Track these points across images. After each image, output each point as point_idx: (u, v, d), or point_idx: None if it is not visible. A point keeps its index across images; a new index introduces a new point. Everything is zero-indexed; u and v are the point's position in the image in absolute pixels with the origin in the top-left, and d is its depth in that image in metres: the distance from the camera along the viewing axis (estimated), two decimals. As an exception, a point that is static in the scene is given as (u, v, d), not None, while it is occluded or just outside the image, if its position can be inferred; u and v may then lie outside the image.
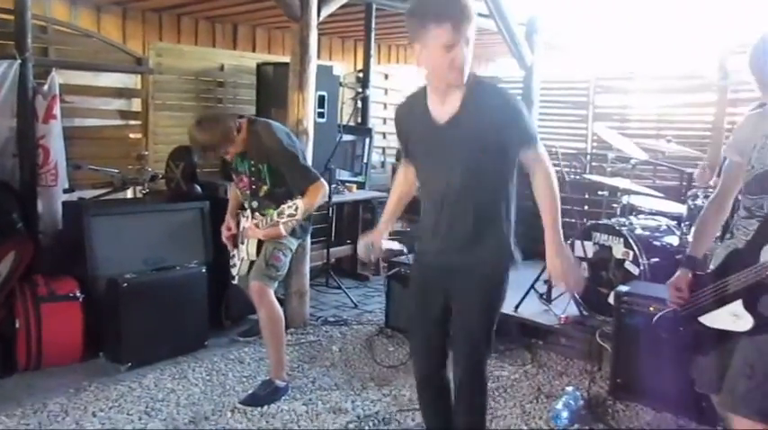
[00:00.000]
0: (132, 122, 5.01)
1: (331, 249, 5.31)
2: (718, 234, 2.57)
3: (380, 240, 2.49)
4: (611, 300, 3.68)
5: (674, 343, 2.90)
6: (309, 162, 3.85)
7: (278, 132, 3.16)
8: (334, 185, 5.06)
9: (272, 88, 5.11)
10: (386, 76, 6.66)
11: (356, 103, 5.43)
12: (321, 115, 4.91)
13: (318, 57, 4.32)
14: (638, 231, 3.94)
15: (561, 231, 2.15)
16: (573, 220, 4.43)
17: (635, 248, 3.77)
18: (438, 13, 2.01)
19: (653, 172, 5.21)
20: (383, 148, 6.73)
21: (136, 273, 3.62)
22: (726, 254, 2.15)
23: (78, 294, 3.56)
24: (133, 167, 4.56)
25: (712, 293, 2.13)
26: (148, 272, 3.72)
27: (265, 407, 3.13)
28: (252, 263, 3.31)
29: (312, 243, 4.54)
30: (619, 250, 3.86)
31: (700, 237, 2.34)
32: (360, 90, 5.81)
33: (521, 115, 2.13)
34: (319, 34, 4.19)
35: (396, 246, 2.76)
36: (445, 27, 2.00)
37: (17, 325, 3.41)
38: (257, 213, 3.23)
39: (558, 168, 4.57)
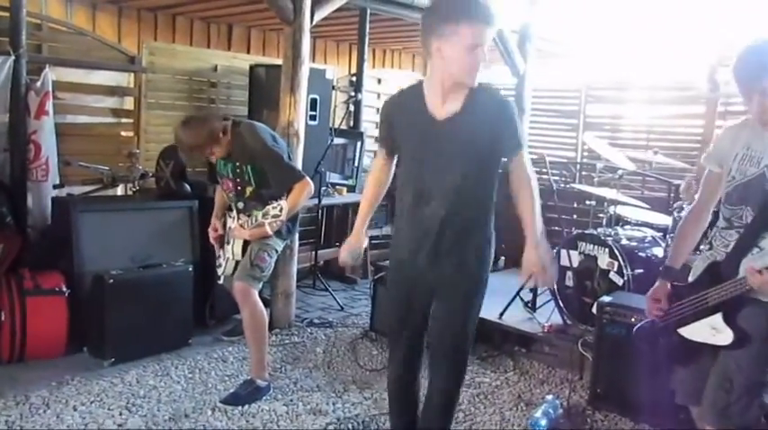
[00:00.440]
0: (124, 120, 5.04)
1: (319, 251, 5.32)
2: (703, 247, 2.59)
3: (362, 245, 2.55)
4: (594, 309, 3.72)
5: (652, 354, 2.94)
6: (298, 163, 3.89)
7: (261, 133, 3.18)
8: (324, 188, 5.08)
9: (265, 90, 5.13)
10: (379, 81, 6.69)
11: (348, 106, 5.45)
12: (313, 118, 4.93)
13: (313, 60, 4.36)
14: (624, 242, 3.96)
15: (540, 229, 2.23)
16: (560, 229, 4.47)
17: (620, 259, 3.79)
18: (472, 13, 2.08)
19: (641, 183, 5.25)
20: (375, 152, 6.73)
21: (122, 270, 3.64)
22: (705, 266, 2.17)
23: (64, 289, 3.57)
24: (124, 165, 4.57)
25: (692, 306, 2.14)
26: (135, 269, 3.74)
27: (246, 406, 3.15)
28: (237, 263, 3.32)
29: (300, 245, 4.56)
30: (604, 260, 3.89)
31: (678, 247, 2.35)
32: (352, 94, 5.83)
33: (514, 121, 2.23)
34: (315, 37, 4.23)
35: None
36: (476, 28, 2.08)
37: (2, 317, 3.42)
38: (243, 214, 3.25)
39: (545, 177, 4.66)
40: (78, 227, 3.71)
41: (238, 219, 3.26)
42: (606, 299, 3.40)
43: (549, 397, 3.23)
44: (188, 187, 4.28)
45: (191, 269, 3.90)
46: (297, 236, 3.94)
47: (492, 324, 4.09)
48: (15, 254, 3.67)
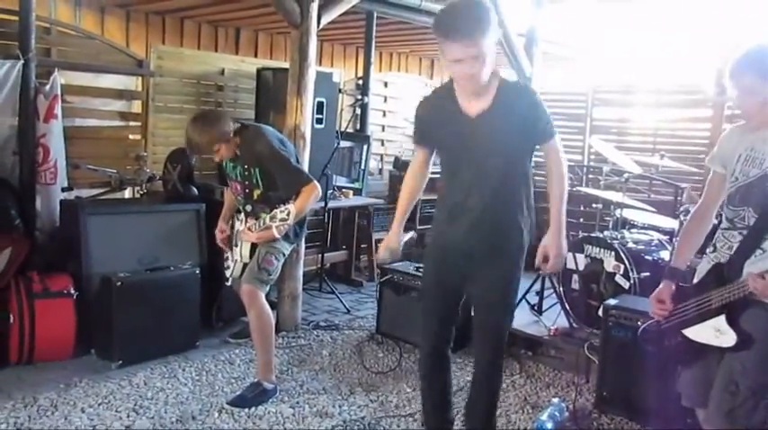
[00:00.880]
0: (132, 124, 5.08)
1: (326, 254, 5.34)
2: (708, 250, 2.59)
3: (399, 242, 2.67)
4: (600, 312, 3.71)
5: (657, 355, 2.94)
6: (305, 166, 3.90)
7: (268, 136, 3.20)
8: (330, 191, 5.09)
9: (272, 93, 5.16)
10: (385, 84, 6.71)
11: (355, 109, 5.47)
12: (319, 121, 4.95)
13: (320, 63, 4.38)
14: (630, 245, 3.97)
15: (564, 220, 2.40)
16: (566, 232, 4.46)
17: (626, 262, 3.79)
18: (449, 33, 2.19)
19: (648, 186, 5.24)
20: (381, 155, 6.77)
21: (130, 273, 3.66)
22: (709, 267, 2.17)
23: (72, 291, 3.59)
24: (131, 168, 4.60)
25: (696, 307, 2.15)
26: (142, 271, 3.76)
27: (252, 408, 3.16)
28: (245, 265, 3.34)
29: (307, 247, 4.58)
30: (610, 263, 3.89)
31: (683, 248, 2.36)
32: (359, 97, 5.85)
33: (544, 112, 2.38)
34: (321, 41, 4.25)
35: (408, 236, 2.90)
36: (454, 45, 2.19)
37: (11, 319, 3.44)
38: (251, 216, 3.27)
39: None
40: (87, 229, 3.73)
41: (246, 221, 3.28)
42: (612, 302, 3.40)
43: (555, 400, 3.23)
44: (195, 190, 4.30)
45: (198, 272, 3.91)
46: (303, 239, 3.94)
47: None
48: (24, 257, 3.69)
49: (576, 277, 4.08)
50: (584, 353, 3.64)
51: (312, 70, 4.22)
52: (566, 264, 4.12)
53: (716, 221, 2.35)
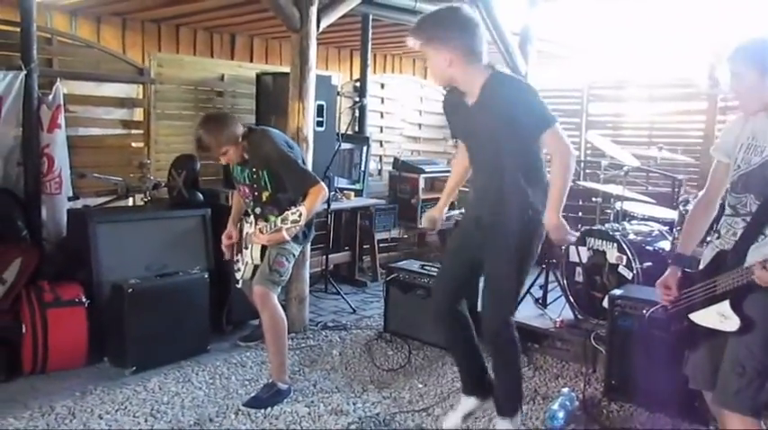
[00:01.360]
0: (134, 131, 5.10)
1: (330, 256, 5.38)
2: (710, 238, 2.65)
3: (442, 214, 3.09)
4: (605, 303, 3.77)
5: (664, 341, 3.00)
6: (309, 167, 3.94)
7: (276, 138, 3.25)
8: (332, 193, 5.14)
9: (272, 97, 5.20)
10: (382, 86, 6.75)
11: (354, 112, 5.51)
12: (320, 124, 4.99)
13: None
14: (631, 236, 4.04)
15: (562, 202, 2.55)
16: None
17: (628, 253, 3.86)
18: (412, 30, 2.61)
19: (645, 179, 5.32)
20: (380, 156, 6.81)
21: (140, 279, 3.69)
22: (713, 254, 2.24)
23: (84, 299, 3.62)
24: (134, 176, 4.63)
25: (702, 292, 2.21)
26: (152, 277, 3.79)
27: (268, 409, 3.20)
28: (256, 267, 3.39)
29: (311, 249, 4.62)
30: (612, 255, 3.95)
31: (688, 235, 2.43)
32: (357, 99, 5.90)
33: (532, 103, 2.51)
34: (317, 44, 4.28)
35: (454, 212, 3.45)
36: (417, 43, 2.58)
37: (23, 330, 3.47)
38: (260, 219, 3.31)
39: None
40: (96, 238, 3.77)
41: (256, 224, 3.32)
42: (617, 292, 3.47)
43: (565, 390, 3.28)
44: (200, 196, 4.34)
45: (206, 276, 3.95)
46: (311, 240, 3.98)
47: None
48: (34, 267, 3.71)
49: (579, 270, 4.14)
50: (591, 344, 3.70)
51: (313, 74, 4.26)
52: (569, 256, 4.20)
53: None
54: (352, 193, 5.70)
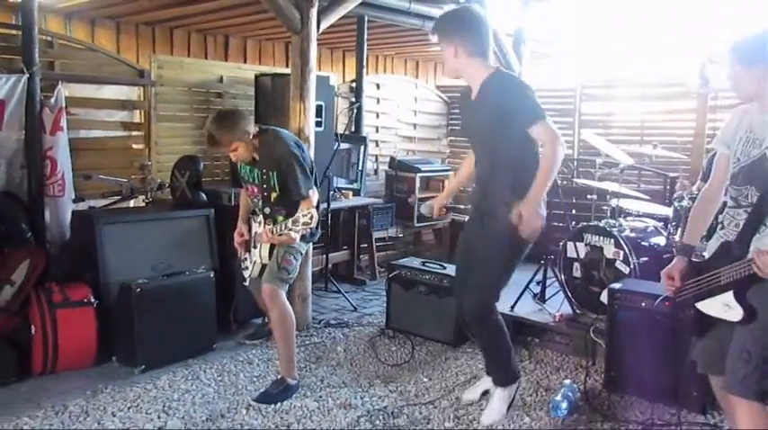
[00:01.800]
0: (134, 133, 5.14)
1: (329, 255, 5.43)
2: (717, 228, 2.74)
3: (441, 202, 3.33)
4: (603, 298, 3.87)
5: (663, 332, 3.11)
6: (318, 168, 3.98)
7: (288, 141, 3.31)
8: (331, 192, 5.20)
9: (271, 98, 5.24)
10: (377, 86, 6.83)
11: (352, 112, 5.58)
12: (319, 124, 5.04)
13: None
14: (628, 232, 4.14)
15: (544, 190, 2.68)
16: (565, 225, 4.62)
17: (625, 248, 3.96)
18: (432, 27, 2.91)
19: (638, 176, 5.44)
20: (376, 156, 6.89)
21: (147, 279, 3.74)
22: (718, 245, 2.33)
23: (92, 300, 3.66)
24: (135, 177, 4.67)
25: (707, 282, 2.29)
26: (159, 277, 3.83)
27: (278, 404, 3.26)
28: (264, 266, 3.45)
29: (312, 248, 4.67)
30: (610, 250, 4.05)
31: (693, 226, 2.51)
32: (353, 100, 5.97)
33: (522, 98, 2.69)
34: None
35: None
36: (434, 36, 2.87)
37: (33, 330, 3.50)
38: (269, 219, 3.36)
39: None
40: (102, 239, 3.81)
41: (265, 223, 3.37)
42: (617, 285, 3.56)
43: (567, 381, 3.36)
44: (204, 196, 4.38)
45: (212, 276, 4.00)
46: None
47: (504, 316, 4.20)
48: (42, 268, 3.74)
49: (577, 265, 4.24)
50: (590, 337, 3.79)
51: (313, 74, 4.33)
52: (566, 252, 4.30)
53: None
54: (350, 193, 5.77)
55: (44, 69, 4.36)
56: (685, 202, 3.97)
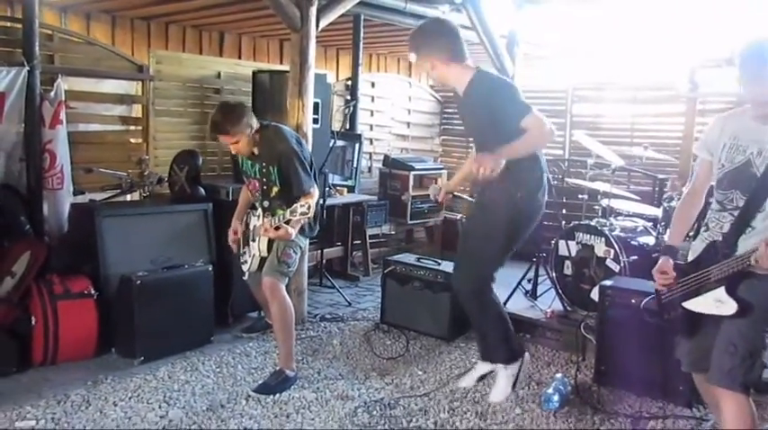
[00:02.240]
0: (133, 128, 5.16)
1: (324, 250, 5.50)
2: (691, 233, 2.84)
3: (448, 187, 3.43)
4: (593, 295, 3.98)
5: (652, 328, 3.20)
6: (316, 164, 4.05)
7: (289, 137, 3.38)
8: (326, 189, 5.26)
9: (268, 95, 5.29)
10: (372, 84, 6.90)
11: (348, 110, 5.64)
12: (315, 121, 5.10)
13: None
14: (618, 232, 4.24)
15: (514, 152, 2.69)
16: (558, 224, 4.73)
17: (616, 247, 4.06)
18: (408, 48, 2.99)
19: (627, 177, 5.56)
20: (370, 154, 6.96)
21: (147, 271, 3.78)
22: (704, 246, 2.42)
23: (93, 291, 3.70)
24: (133, 172, 4.70)
25: (695, 281, 2.38)
26: (159, 270, 3.88)
27: (277, 395, 3.33)
28: (262, 259, 3.51)
29: (307, 244, 4.74)
30: (600, 249, 4.16)
31: (677, 227, 2.61)
32: (349, 98, 6.04)
33: (507, 95, 2.80)
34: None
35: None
36: (412, 57, 2.98)
37: (33, 322, 3.54)
38: (268, 212, 3.43)
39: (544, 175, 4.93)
40: (102, 231, 3.86)
41: (264, 217, 3.44)
42: (608, 283, 3.66)
43: (559, 375, 3.47)
44: (202, 190, 4.43)
45: (211, 269, 4.05)
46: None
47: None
48: (43, 260, 3.77)
49: (568, 263, 4.34)
50: (581, 333, 3.89)
51: (312, 72, 4.38)
52: (558, 250, 4.40)
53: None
54: (345, 190, 5.84)
55: (44, 63, 4.37)
56: (674, 203, 4.07)
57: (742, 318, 2.24)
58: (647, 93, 5.95)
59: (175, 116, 5.43)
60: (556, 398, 3.28)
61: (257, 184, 3.45)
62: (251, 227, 3.61)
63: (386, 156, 6.63)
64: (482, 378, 3.26)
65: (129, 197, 4.81)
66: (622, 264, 4.03)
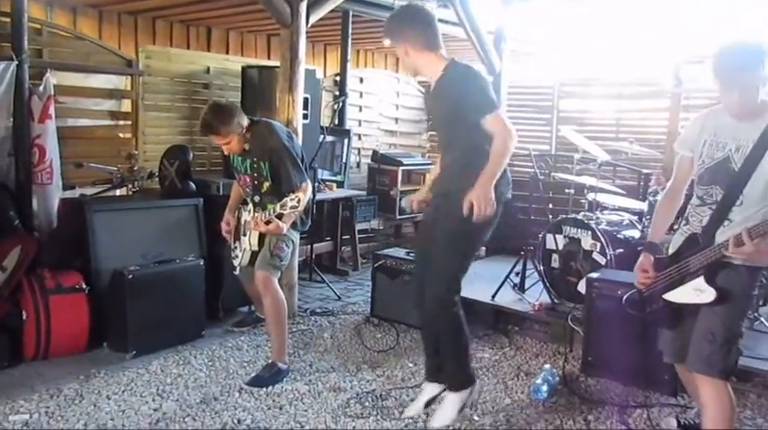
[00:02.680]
0: (122, 122, 5.16)
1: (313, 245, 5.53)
2: (677, 225, 2.91)
3: (420, 197, 3.23)
4: (580, 287, 4.04)
5: (637, 320, 3.27)
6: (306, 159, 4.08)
7: (280, 132, 3.41)
8: (316, 184, 5.29)
9: (258, 90, 5.30)
10: (361, 80, 6.92)
11: (337, 105, 5.67)
12: (305, 117, 5.12)
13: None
14: (604, 225, 4.31)
15: (493, 178, 2.63)
16: (546, 219, 4.80)
17: (602, 240, 4.13)
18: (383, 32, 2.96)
19: (613, 172, 5.64)
20: (359, 149, 6.99)
21: (139, 266, 3.79)
22: (684, 238, 2.50)
23: (84, 286, 3.70)
24: (122, 166, 4.70)
25: (677, 272, 2.46)
26: (151, 265, 3.89)
27: (270, 387, 3.36)
28: (253, 253, 3.54)
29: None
30: (587, 242, 4.23)
31: (657, 224, 2.67)
32: (338, 93, 6.06)
33: (476, 90, 2.70)
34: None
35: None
36: (387, 42, 2.96)
37: (24, 316, 3.55)
38: (259, 208, 3.46)
39: (531, 170, 5.00)
40: (94, 226, 3.86)
41: (254, 212, 3.47)
42: (595, 275, 3.73)
43: (547, 366, 3.54)
44: (193, 185, 4.44)
45: (202, 264, 4.07)
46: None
47: (486, 305, 4.40)
48: (33, 255, 3.77)
49: (555, 256, 4.41)
50: (568, 325, 3.96)
51: (302, 67, 4.41)
52: (545, 244, 4.47)
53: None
54: (334, 185, 5.87)
55: (32, 57, 4.35)
56: (660, 197, 4.14)
57: (720, 306, 2.32)
58: (633, 88, 6.04)
59: (164, 111, 5.42)
60: (544, 388, 3.34)
61: (248, 180, 3.48)
62: (242, 221, 3.64)
63: (374, 152, 6.67)
64: (429, 403, 3.07)
65: (118, 192, 4.81)
66: (608, 257, 4.10)
